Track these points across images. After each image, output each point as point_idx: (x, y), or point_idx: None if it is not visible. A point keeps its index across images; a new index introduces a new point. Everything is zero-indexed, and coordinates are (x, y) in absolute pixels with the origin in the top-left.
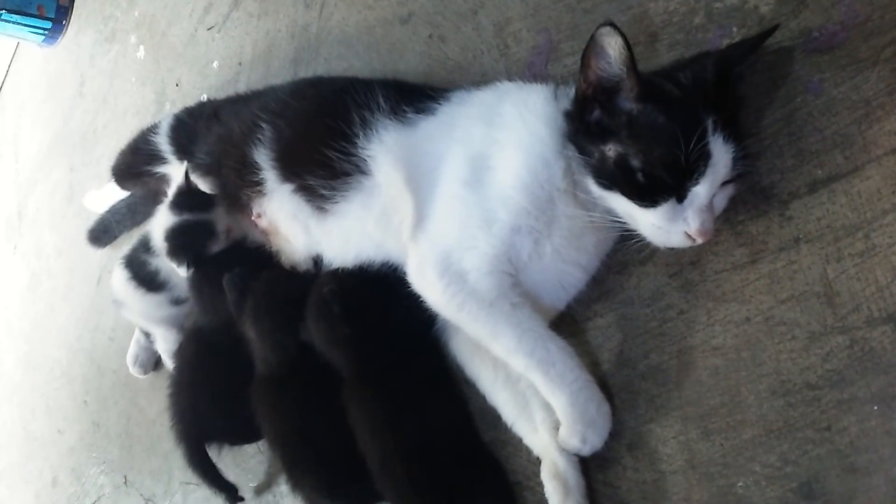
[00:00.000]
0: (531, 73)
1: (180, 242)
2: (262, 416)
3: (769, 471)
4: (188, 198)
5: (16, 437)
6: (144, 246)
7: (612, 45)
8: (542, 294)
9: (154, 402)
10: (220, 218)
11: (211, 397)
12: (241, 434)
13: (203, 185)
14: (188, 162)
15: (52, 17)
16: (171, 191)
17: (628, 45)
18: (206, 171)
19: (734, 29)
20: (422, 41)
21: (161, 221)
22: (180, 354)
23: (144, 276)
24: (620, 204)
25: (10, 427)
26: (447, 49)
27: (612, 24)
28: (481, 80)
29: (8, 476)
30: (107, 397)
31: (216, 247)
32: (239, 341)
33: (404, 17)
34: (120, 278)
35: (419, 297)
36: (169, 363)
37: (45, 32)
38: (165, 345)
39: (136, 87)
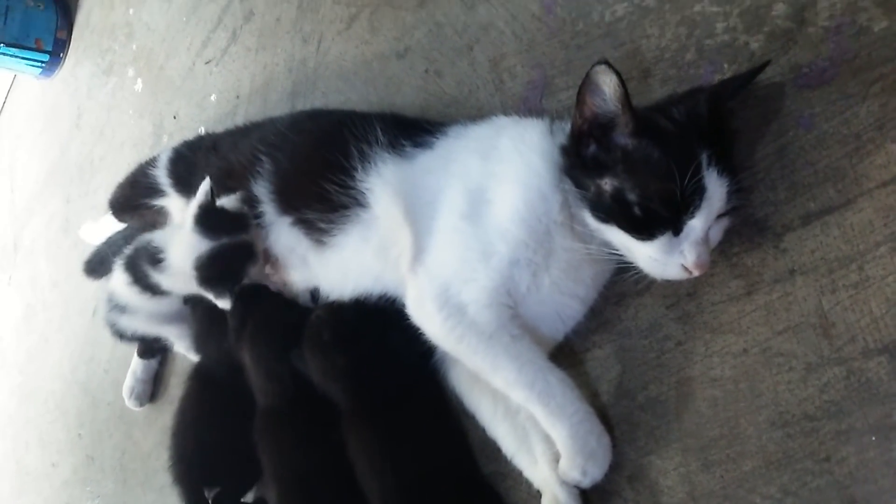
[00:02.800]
0: (526, 107)
1: (219, 271)
2: (262, 450)
3: (770, 502)
4: (220, 219)
5: (8, 471)
6: (149, 257)
7: (607, 83)
8: (540, 326)
9: (149, 436)
10: (258, 238)
11: (214, 439)
12: (242, 479)
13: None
14: (186, 198)
15: (50, 49)
16: (192, 211)
17: (623, 83)
18: None
19: (725, 65)
20: (418, 76)
21: (186, 247)
22: (184, 395)
23: (147, 283)
24: (617, 237)
25: (3, 460)
26: (443, 84)
27: (607, 63)
28: (477, 114)
29: None
30: (101, 430)
31: (255, 271)
32: (241, 378)
33: (401, 52)
34: (121, 282)
35: (417, 329)
36: (193, 356)
37: (43, 65)
38: (182, 341)
39: (133, 120)
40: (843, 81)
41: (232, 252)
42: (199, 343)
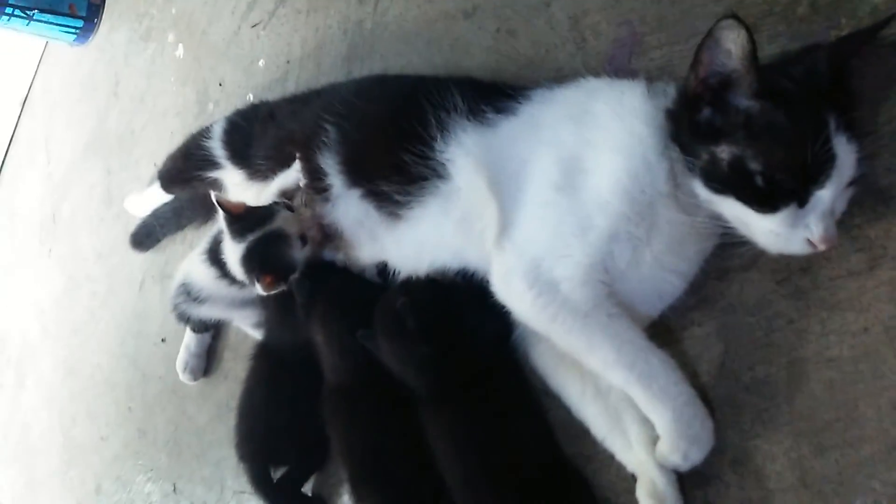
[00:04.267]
0: (612, 67)
1: (258, 264)
2: (332, 429)
3: (891, 489)
4: (241, 221)
5: (56, 445)
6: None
7: (734, 40)
8: (636, 302)
9: (204, 410)
10: (288, 222)
11: (282, 419)
12: (308, 461)
13: (258, 193)
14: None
15: (84, 15)
16: (220, 226)
17: (752, 39)
18: (264, 176)
19: (842, 20)
20: (488, 36)
21: (231, 257)
22: (250, 373)
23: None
24: (733, 209)
25: (50, 434)
26: (517, 44)
27: (736, 17)
28: (556, 76)
29: (49, 483)
30: (153, 404)
31: (299, 252)
32: (311, 360)
33: (468, 11)
34: (206, 275)
35: (501, 306)
36: (255, 334)
37: (77, 31)
38: (251, 321)
39: (175, 87)
40: None
41: (262, 244)
42: (271, 326)
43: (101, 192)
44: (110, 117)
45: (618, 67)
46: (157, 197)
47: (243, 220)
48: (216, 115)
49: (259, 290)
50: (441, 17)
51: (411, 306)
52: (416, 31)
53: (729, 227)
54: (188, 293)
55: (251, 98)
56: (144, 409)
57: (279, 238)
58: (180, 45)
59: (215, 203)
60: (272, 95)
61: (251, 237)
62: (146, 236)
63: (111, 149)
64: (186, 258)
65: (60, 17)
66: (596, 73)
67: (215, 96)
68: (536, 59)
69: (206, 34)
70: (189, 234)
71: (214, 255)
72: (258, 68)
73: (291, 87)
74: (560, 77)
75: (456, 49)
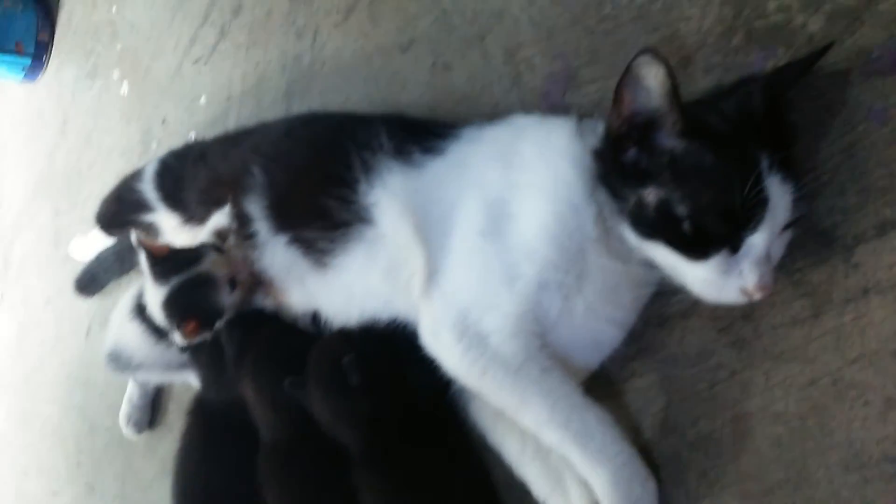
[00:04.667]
0: (548, 103)
1: (180, 308)
2: (268, 491)
3: None
4: (165, 263)
5: (8, 498)
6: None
7: (653, 76)
8: (572, 354)
9: (150, 464)
10: (217, 265)
11: (220, 481)
12: None
13: (194, 237)
14: (176, 212)
15: (32, 52)
16: (143, 268)
17: (672, 75)
18: (199, 220)
19: (779, 50)
20: (425, 70)
21: (153, 301)
22: (184, 432)
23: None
24: (663, 255)
25: (3, 487)
26: (453, 78)
27: (653, 51)
28: (493, 111)
29: None
30: (101, 458)
31: (227, 297)
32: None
33: (404, 45)
34: (135, 334)
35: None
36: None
37: (25, 69)
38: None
39: (120, 126)
40: None
41: (187, 287)
42: (205, 382)
43: (49, 234)
44: (58, 157)
45: (553, 103)
46: (101, 240)
47: (168, 261)
48: (159, 154)
49: (179, 338)
50: (378, 51)
51: (358, 363)
52: (354, 66)
53: (663, 275)
54: (118, 361)
55: (193, 136)
56: (93, 463)
57: (206, 281)
58: (125, 83)
59: (135, 244)
60: (214, 133)
61: (175, 280)
62: (90, 281)
63: (59, 189)
64: (110, 323)
65: (7, 55)
66: (532, 109)
67: (158, 134)
68: (473, 94)
69: (149, 71)
70: (134, 278)
71: (143, 310)
72: (200, 105)
73: (233, 125)
74: (497, 113)
75: (393, 84)
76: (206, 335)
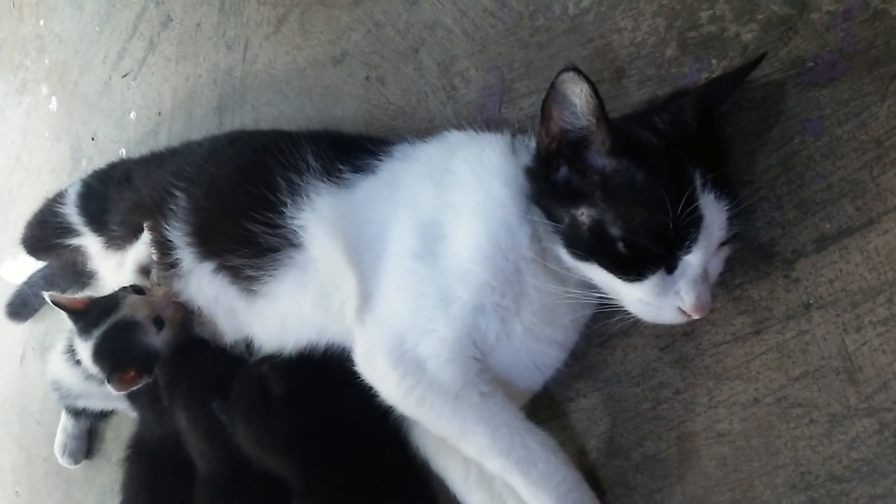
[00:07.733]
0: (483, 117)
1: (108, 360)
2: None
3: None
4: (85, 317)
5: None
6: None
7: (577, 94)
8: (513, 377)
9: (89, 495)
10: (135, 307)
11: None
12: None
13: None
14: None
15: None
16: (67, 321)
17: (596, 92)
18: (121, 245)
19: (713, 61)
20: (358, 84)
21: (85, 356)
22: (124, 471)
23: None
24: (599, 276)
25: None
26: (387, 92)
27: (576, 69)
28: (428, 126)
29: None
30: (39, 488)
31: (156, 338)
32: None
33: (337, 58)
34: (73, 377)
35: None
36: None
37: None
38: None
39: (50, 143)
40: (856, 77)
41: (111, 336)
42: (142, 417)
43: None
44: None
45: (489, 117)
46: (31, 263)
47: (88, 314)
48: (89, 172)
49: (114, 388)
50: (310, 64)
51: (277, 370)
52: (287, 79)
53: (601, 295)
54: (59, 391)
55: (123, 153)
56: (31, 493)
57: (128, 326)
58: (53, 98)
59: (50, 303)
60: (144, 150)
61: (97, 332)
62: (21, 306)
63: None
64: (50, 358)
65: None
66: (468, 123)
67: (88, 151)
68: (408, 108)
69: (77, 85)
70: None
71: (75, 355)
72: (130, 121)
73: (164, 141)
74: (433, 127)
75: (327, 98)
76: (147, 380)
